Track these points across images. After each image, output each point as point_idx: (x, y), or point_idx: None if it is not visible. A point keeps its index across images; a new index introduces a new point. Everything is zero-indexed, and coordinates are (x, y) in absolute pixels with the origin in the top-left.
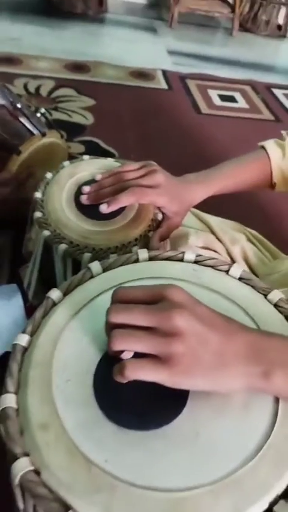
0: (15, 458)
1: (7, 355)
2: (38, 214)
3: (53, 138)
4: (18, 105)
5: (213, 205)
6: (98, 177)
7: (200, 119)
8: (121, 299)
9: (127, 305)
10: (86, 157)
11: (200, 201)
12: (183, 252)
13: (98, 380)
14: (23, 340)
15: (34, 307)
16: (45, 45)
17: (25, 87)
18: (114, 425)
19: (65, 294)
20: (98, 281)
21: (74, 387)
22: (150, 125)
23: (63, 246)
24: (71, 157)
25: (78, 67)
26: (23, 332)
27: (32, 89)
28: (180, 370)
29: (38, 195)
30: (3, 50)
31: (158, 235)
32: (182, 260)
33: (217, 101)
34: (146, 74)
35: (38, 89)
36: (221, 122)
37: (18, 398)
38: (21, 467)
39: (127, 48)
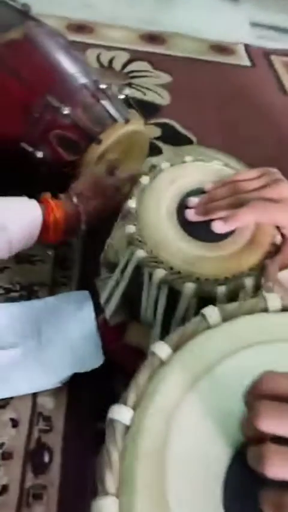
0: None
1: (76, 377)
2: (131, 228)
3: (137, 125)
4: (102, 86)
5: None
6: (208, 186)
7: (287, 101)
8: (271, 392)
9: (283, 408)
10: (188, 158)
11: None
12: None
13: (229, 488)
14: (125, 416)
15: (110, 327)
16: (119, 11)
17: (98, 58)
18: None
19: (175, 349)
20: (217, 337)
21: (197, 495)
22: (231, 106)
23: (161, 272)
24: (152, 147)
25: (153, 38)
26: (124, 404)
27: (105, 62)
28: None
29: (131, 204)
30: (77, 16)
31: (276, 263)
32: None
33: None
34: (226, 48)
35: (111, 61)
36: None
37: (121, 503)
38: None
39: (205, 18)
